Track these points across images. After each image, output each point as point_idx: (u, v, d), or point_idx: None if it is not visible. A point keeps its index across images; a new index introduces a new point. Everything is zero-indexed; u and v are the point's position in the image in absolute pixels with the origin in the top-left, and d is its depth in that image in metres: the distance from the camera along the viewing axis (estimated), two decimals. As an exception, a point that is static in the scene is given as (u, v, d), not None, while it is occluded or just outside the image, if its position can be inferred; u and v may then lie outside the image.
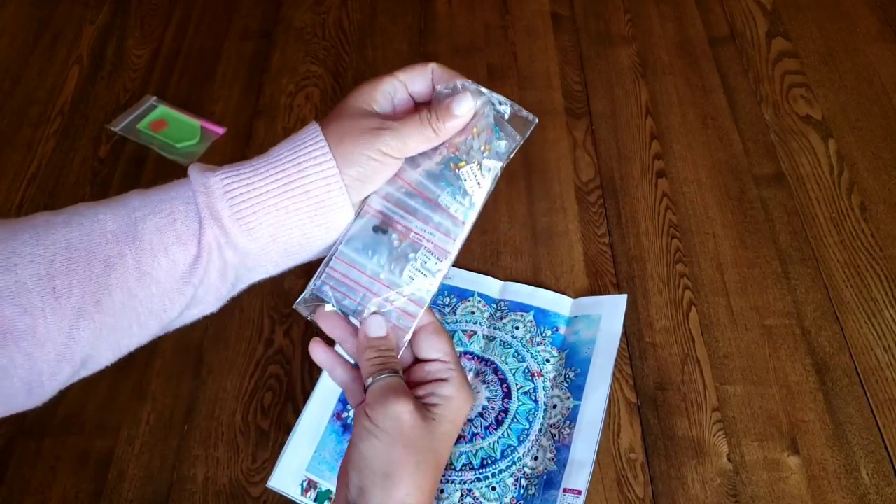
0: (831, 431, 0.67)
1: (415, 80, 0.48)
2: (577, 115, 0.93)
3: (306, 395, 0.71)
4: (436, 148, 0.46)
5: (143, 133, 0.91)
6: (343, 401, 0.69)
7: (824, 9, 1.04)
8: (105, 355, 0.41)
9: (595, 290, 0.77)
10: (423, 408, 0.44)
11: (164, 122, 0.92)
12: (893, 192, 0.84)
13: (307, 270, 0.80)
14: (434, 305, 0.76)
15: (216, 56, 1.01)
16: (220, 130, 0.92)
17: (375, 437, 0.42)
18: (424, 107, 0.46)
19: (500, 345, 0.73)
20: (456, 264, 0.79)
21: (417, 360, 0.48)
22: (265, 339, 0.75)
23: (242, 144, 0.91)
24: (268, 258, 0.43)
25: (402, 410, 0.43)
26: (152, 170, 0.88)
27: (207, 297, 0.42)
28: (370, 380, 0.45)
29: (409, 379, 0.48)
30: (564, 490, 0.63)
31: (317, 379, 0.70)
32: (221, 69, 0.99)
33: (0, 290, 0.36)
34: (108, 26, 1.05)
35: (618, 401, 0.70)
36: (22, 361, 0.37)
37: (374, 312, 0.47)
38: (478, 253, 0.81)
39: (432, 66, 0.49)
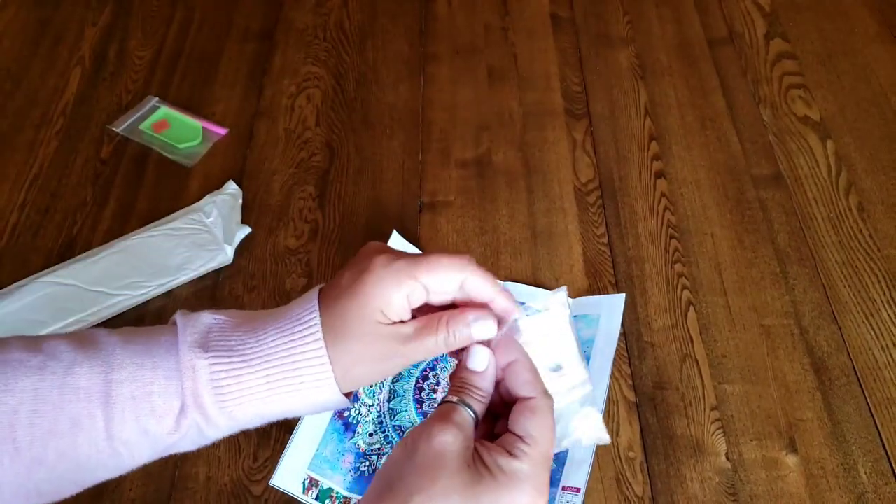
0: (829, 430, 0.68)
1: (440, 283, 0.39)
2: (576, 117, 0.93)
3: (307, 394, 0.71)
4: None
5: (145, 134, 0.92)
6: None
7: (822, 10, 1.04)
8: (65, 493, 0.39)
9: (594, 290, 0.78)
10: (476, 457, 0.37)
11: (166, 122, 0.93)
12: (891, 192, 0.84)
13: (309, 272, 0.81)
14: None
15: (217, 57, 1.01)
16: (222, 131, 0.92)
17: (401, 447, 0.37)
18: (440, 320, 0.39)
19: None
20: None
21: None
22: (266, 339, 0.75)
23: (244, 145, 0.91)
24: (246, 429, 0.41)
25: (442, 440, 0.36)
26: (154, 170, 0.89)
27: (179, 450, 0.41)
28: (447, 399, 0.39)
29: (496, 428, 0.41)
30: (563, 488, 0.63)
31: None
32: (223, 70, 1.00)
33: None
34: (109, 27, 1.05)
35: (617, 400, 0.70)
36: None
37: (486, 343, 0.40)
38: (478, 253, 0.81)
39: (467, 272, 0.40)
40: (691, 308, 0.76)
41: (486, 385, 0.39)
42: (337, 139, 0.92)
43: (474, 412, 0.38)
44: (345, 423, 0.68)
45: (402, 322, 0.39)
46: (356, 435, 0.68)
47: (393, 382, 0.71)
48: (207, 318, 0.39)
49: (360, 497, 0.64)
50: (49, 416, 0.36)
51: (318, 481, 0.64)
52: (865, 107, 0.93)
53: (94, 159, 0.90)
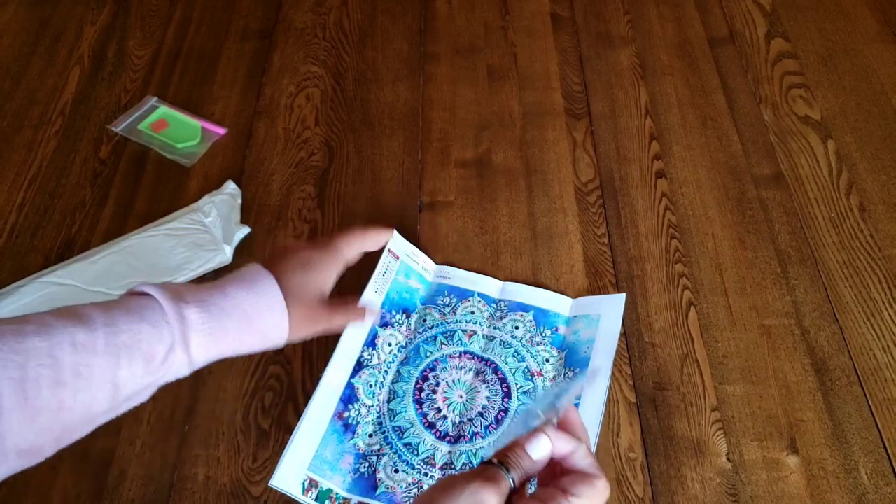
0: (830, 431, 0.68)
1: (354, 256, 0.61)
2: (576, 116, 0.93)
3: (307, 395, 0.71)
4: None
5: (144, 133, 0.92)
6: (344, 400, 0.69)
7: (823, 9, 1.04)
8: (50, 449, 0.44)
9: (594, 290, 0.77)
10: None
11: (165, 122, 0.93)
12: (892, 192, 0.84)
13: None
14: (434, 305, 0.76)
15: (217, 56, 1.01)
16: (221, 131, 0.92)
17: (441, 489, 0.41)
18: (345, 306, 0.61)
19: (500, 344, 0.73)
20: (456, 264, 0.80)
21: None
22: (266, 339, 0.75)
23: (243, 145, 0.91)
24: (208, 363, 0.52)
25: (483, 498, 0.40)
26: (153, 170, 0.89)
27: (169, 380, 0.51)
28: (489, 461, 0.43)
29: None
30: None
31: (318, 379, 0.71)
32: (222, 70, 0.99)
33: None
34: (108, 27, 1.05)
35: (617, 400, 0.70)
36: None
37: (545, 435, 0.44)
38: (478, 253, 0.81)
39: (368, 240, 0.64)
40: (692, 308, 0.76)
41: (536, 469, 0.43)
42: (336, 139, 0.92)
43: (514, 483, 0.42)
44: (344, 424, 0.68)
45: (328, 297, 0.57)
46: (356, 436, 0.68)
47: (393, 383, 0.71)
48: (173, 283, 0.50)
49: (360, 498, 0.64)
50: (53, 367, 0.42)
51: (317, 482, 0.64)
52: (866, 106, 0.92)
53: (93, 159, 0.90)
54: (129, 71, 1.00)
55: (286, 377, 0.72)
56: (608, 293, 0.77)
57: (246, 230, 0.82)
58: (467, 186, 0.87)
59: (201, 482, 0.66)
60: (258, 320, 0.52)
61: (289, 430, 0.68)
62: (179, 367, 0.50)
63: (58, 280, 0.76)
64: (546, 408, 0.47)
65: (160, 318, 0.47)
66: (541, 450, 0.43)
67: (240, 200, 0.84)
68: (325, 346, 0.74)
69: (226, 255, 0.79)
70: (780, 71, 0.97)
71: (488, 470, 0.42)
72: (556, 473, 0.44)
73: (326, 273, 0.57)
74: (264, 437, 0.69)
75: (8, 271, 0.79)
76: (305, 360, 0.73)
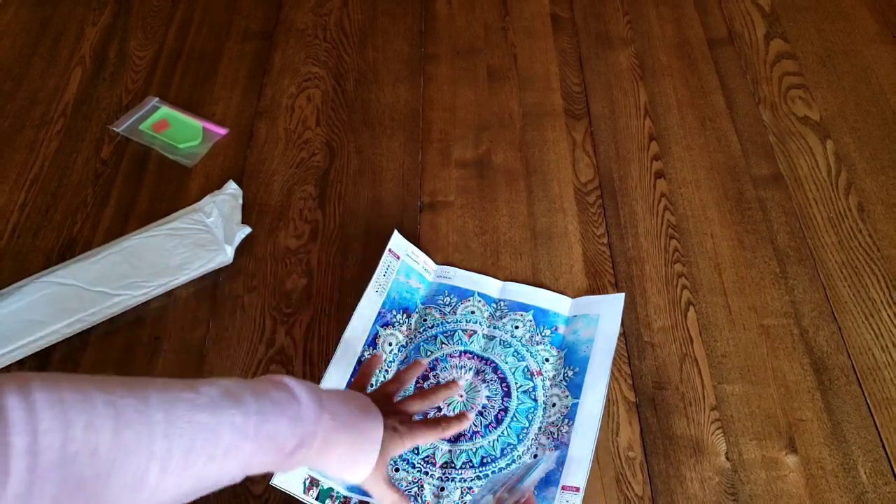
0: (829, 430, 0.68)
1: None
2: (576, 117, 0.93)
3: (307, 394, 0.71)
4: None
5: (146, 134, 0.92)
6: None
7: (822, 10, 1.04)
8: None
9: (594, 289, 0.78)
10: None
11: (166, 122, 0.93)
12: (891, 192, 0.84)
13: (309, 272, 0.81)
14: (434, 304, 0.77)
15: (218, 57, 1.01)
16: (222, 131, 0.92)
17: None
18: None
19: (500, 344, 0.74)
20: (456, 264, 0.80)
21: None
22: (266, 339, 0.75)
23: (244, 145, 0.91)
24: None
25: None
26: (154, 171, 0.89)
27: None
28: None
29: None
30: (563, 488, 0.64)
31: (319, 378, 0.71)
32: (223, 70, 1.00)
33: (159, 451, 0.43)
34: (110, 27, 1.06)
35: (616, 400, 0.70)
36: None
37: None
38: (478, 253, 0.81)
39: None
40: (691, 308, 0.76)
41: None
42: (337, 139, 0.92)
43: None
44: None
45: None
46: None
47: None
48: (308, 384, 0.53)
49: (360, 497, 0.64)
50: (213, 443, 0.45)
51: (318, 481, 0.65)
52: (865, 107, 0.93)
53: (95, 159, 0.90)
54: (131, 71, 1.00)
55: (287, 377, 0.73)
56: (607, 293, 0.77)
57: (247, 230, 0.82)
58: (467, 187, 0.87)
59: (202, 481, 0.66)
60: (361, 447, 0.55)
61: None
62: (299, 463, 0.52)
63: (59, 280, 0.76)
64: (510, 487, 0.53)
65: (297, 413, 0.50)
66: None
67: (241, 200, 0.85)
68: (325, 346, 0.74)
69: (227, 255, 0.79)
70: (779, 71, 0.97)
71: None
72: None
73: (404, 446, 0.59)
74: (265, 436, 0.69)
75: (9, 271, 0.79)
76: (306, 361, 0.74)
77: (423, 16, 1.06)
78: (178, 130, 0.92)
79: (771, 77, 0.97)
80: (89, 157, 0.90)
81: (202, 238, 0.80)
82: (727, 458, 0.67)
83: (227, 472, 0.46)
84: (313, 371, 0.73)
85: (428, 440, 0.60)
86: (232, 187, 0.85)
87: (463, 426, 0.62)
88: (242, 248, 0.81)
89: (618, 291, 0.77)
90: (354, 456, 0.54)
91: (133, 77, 0.99)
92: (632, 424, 0.69)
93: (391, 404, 0.61)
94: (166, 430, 0.43)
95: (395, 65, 1.00)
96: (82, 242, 0.82)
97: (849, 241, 0.81)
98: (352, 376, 0.71)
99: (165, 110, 0.94)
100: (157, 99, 0.96)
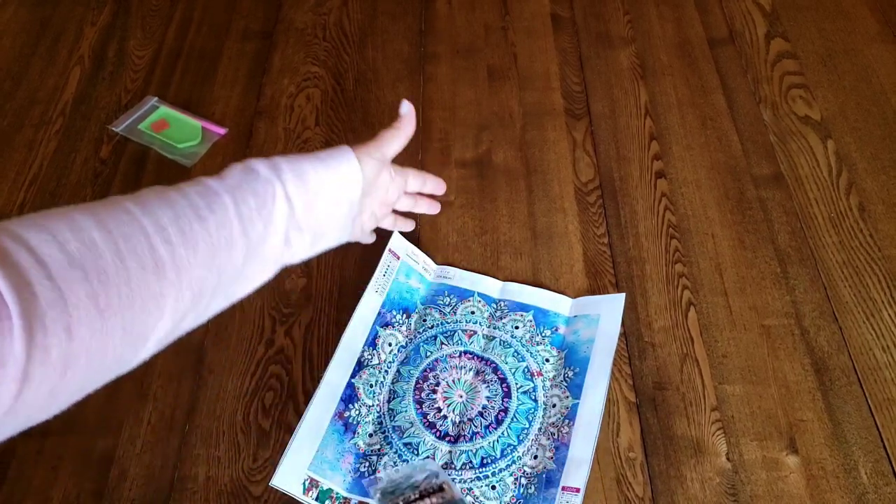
0: (830, 431, 0.68)
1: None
2: (576, 116, 0.93)
3: (307, 394, 0.71)
4: None
5: (145, 133, 0.92)
6: (345, 400, 0.69)
7: (823, 9, 1.04)
8: (211, 301, 0.49)
9: (594, 290, 0.78)
10: None
11: (166, 122, 0.93)
12: (892, 192, 0.84)
13: (308, 272, 0.81)
14: (434, 305, 0.77)
15: (217, 57, 1.01)
16: (221, 131, 0.92)
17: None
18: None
19: (500, 344, 0.74)
20: (456, 264, 0.80)
21: None
22: (266, 339, 0.75)
23: (243, 145, 0.91)
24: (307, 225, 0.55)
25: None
26: (153, 170, 0.89)
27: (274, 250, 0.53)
28: None
29: None
30: (563, 488, 0.63)
31: (319, 379, 0.71)
32: (222, 70, 0.99)
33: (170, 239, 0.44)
34: (109, 27, 1.05)
35: (617, 400, 0.70)
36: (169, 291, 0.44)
37: None
38: (478, 253, 0.81)
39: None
40: (692, 308, 0.76)
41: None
42: (337, 139, 0.92)
43: None
44: (345, 424, 0.68)
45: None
46: (356, 435, 0.68)
47: (393, 383, 0.71)
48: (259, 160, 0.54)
49: (360, 498, 0.64)
50: (192, 207, 0.47)
51: (318, 482, 0.64)
52: (866, 106, 0.92)
53: (94, 159, 0.90)
54: (130, 71, 1.00)
55: (286, 377, 0.72)
56: (608, 293, 0.77)
57: (246, 230, 0.82)
58: (467, 186, 0.87)
59: (202, 482, 0.66)
60: (332, 162, 0.57)
61: (289, 429, 0.68)
62: (281, 211, 0.52)
63: (58, 280, 0.76)
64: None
65: (258, 171, 0.52)
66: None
67: (240, 200, 0.84)
68: (325, 346, 0.74)
69: (226, 255, 0.79)
70: (779, 71, 0.97)
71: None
72: None
73: (388, 144, 0.65)
74: (265, 436, 0.69)
75: (8, 271, 0.79)
76: (305, 360, 0.73)
77: (423, 15, 1.06)
78: (178, 130, 0.92)
79: (772, 76, 0.96)
80: (88, 156, 0.90)
81: (201, 238, 0.80)
82: (728, 459, 0.66)
83: (229, 229, 0.47)
84: (312, 372, 0.72)
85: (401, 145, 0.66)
86: (231, 187, 0.85)
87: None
88: (242, 248, 0.81)
89: (618, 291, 0.77)
90: (338, 181, 0.56)
91: (132, 77, 0.99)
92: (632, 425, 0.69)
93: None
94: (143, 210, 0.44)
95: (394, 64, 1.00)
96: (81, 242, 0.82)
97: (850, 241, 0.80)
98: (352, 376, 0.70)
99: (164, 110, 0.94)
100: (156, 98, 0.95)
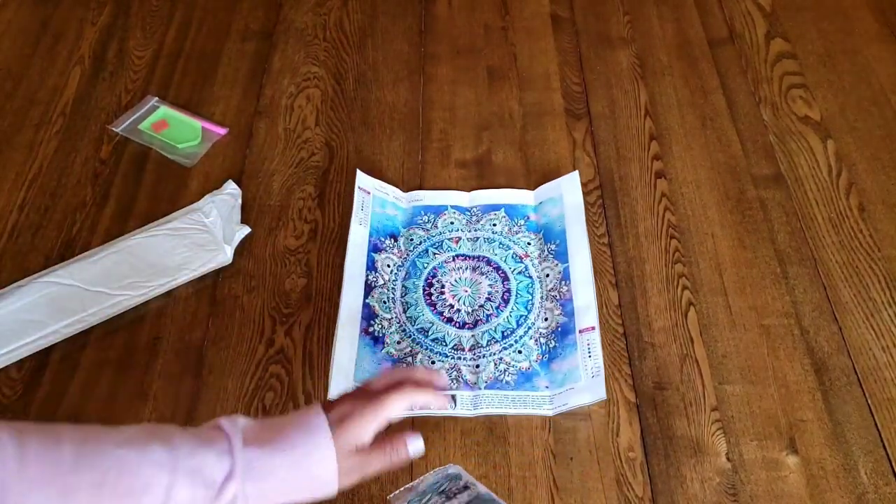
0: (830, 431, 0.68)
1: (396, 415, 0.56)
2: (576, 116, 0.93)
3: (307, 394, 0.71)
4: None
5: (145, 134, 0.92)
6: (366, 318, 0.76)
7: (823, 10, 1.04)
8: None
9: (595, 289, 0.77)
10: None
11: (166, 122, 0.93)
12: (892, 192, 0.84)
13: (308, 272, 0.81)
14: (415, 225, 0.83)
15: (217, 57, 1.01)
16: (222, 131, 0.92)
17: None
18: (389, 441, 0.56)
19: (485, 241, 0.81)
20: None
21: None
22: (266, 340, 0.75)
23: (243, 145, 0.91)
24: None
25: None
26: (153, 170, 0.89)
27: None
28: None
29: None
30: (580, 331, 0.72)
31: (319, 378, 0.71)
32: (222, 70, 0.99)
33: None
34: (109, 27, 1.05)
35: (617, 400, 0.70)
36: None
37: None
38: (478, 253, 0.81)
39: (412, 401, 0.57)
40: (691, 308, 0.76)
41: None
42: (336, 139, 0.92)
43: None
44: (373, 338, 0.74)
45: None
46: (386, 345, 0.74)
47: (402, 297, 0.78)
48: (242, 420, 0.52)
49: None
50: (129, 478, 0.45)
51: None
52: (866, 106, 0.92)
53: (94, 159, 0.90)
54: (130, 71, 1.00)
55: (286, 377, 0.72)
56: (608, 293, 0.77)
57: (246, 230, 0.82)
58: (467, 187, 0.87)
59: (202, 482, 0.66)
60: (306, 464, 0.51)
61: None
62: (226, 501, 0.49)
63: (58, 280, 0.76)
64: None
65: (226, 447, 0.49)
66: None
67: (240, 200, 0.84)
68: (325, 346, 0.74)
69: (226, 255, 0.79)
70: (779, 71, 0.97)
71: None
72: None
73: (365, 428, 0.54)
74: (265, 436, 0.69)
75: (8, 271, 0.79)
76: (305, 360, 0.73)
77: (423, 16, 1.06)
78: (178, 130, 0.92)
79: (771, 77, 0.97)
80: (88, 156, 0.90)
81: (201, 238, 0.80)
82: (728, 459, 0.66)
83: None
84: (312, 371, 0.72)
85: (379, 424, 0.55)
86: (231, 187, 0.85)
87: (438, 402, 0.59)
88: (242, 248, 0.81)
89: (618, 291, 0.77)
90: (298, 481, 0.51)
91: (132, 77, 0.99)
92: (632, 425, 0.69)
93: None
94: (75, 465, 0.44)
95: (394, 65, 1.00)
96: (81, 242, 0.82)
97: (849, 241, 0.80)
98: (365, 297, 0.76)
99: (165, 110, 0.94)
100: (156, 99, 0.95)
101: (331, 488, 0.52)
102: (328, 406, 0.55)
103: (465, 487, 0.57)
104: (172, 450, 0.47)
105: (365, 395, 0.56)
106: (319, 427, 0.52)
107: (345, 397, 0.56)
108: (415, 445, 0.56)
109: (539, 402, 0.70)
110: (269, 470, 0.50)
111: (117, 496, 0.45)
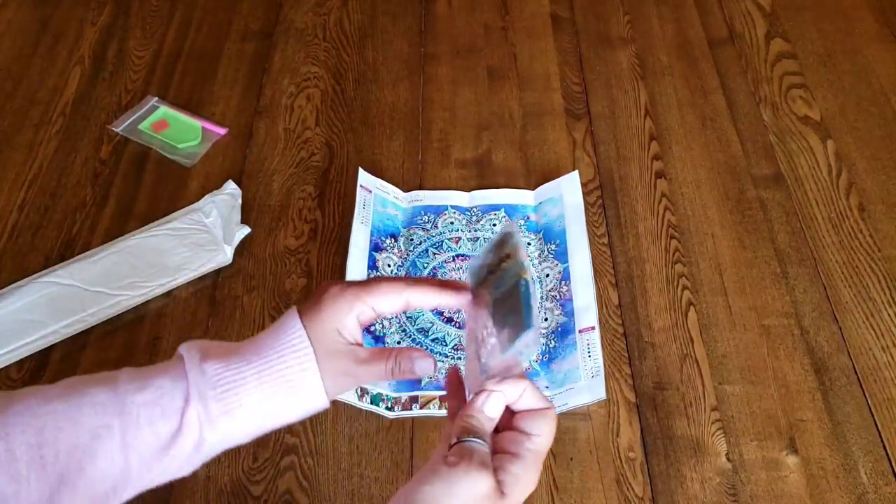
0: (830, 431, 0.68)
1: (384, 304, 0.46)
2: (576, 116, 0.93)
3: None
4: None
5: (145, 134, 0.92)
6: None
7: (823, 10, 1.04)
8: None
9: (596, 290, 0.77)
10: (498, 483, 0.41)
11: (166, 122, 0.93)
12: (892, 192, 0.84)
13: (308, 272, 0.81)
14: (415, 225, 0.83)
15: (217, 57, 1.01)
16: (221, 131, 0.92)
17: (435, 480, 0.40)
18: (391, 353, 0.46)
19: (485, 241, 0.81)
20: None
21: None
22: (266, 339, 0.75)
23: (243, 145, 0.91)
24: (242, 435, 0.44)
25: (484, 483, 0.40)
26: (153, 170, 0.89)
27: (181, 465, 0.43)
28: (459, 439, 0.42)
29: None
30: (580, 331, 0.72)
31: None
32: (222, 70, 0.99)
33: None
34: (109, 27, 1.05)
35: (617, 400, 0.70)
36: None
37: (496, 391, 0.44)
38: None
39: (405, 293, 0.46)
40: (691, 308, 0.76)
41: (495, 423, 0.44)
42: (336, 139, 0.92)
43: (488, 446, 0.43)
44: (374, 337, 0.74)
45: (358, 345, 0.45)
46: (386, 345, 0.74)
47: None
48: (203, 341, 0.44)
49: (407, 394, 0.70)
50: (71, 430, 0.40)
51: (367, 389, 0.70)
52: (866, 107, 0.92)
53: (94, 159, 0.90)
54: (130, 71, 1.00)
55: (286, 377, 0.72)
56: (608, 293, 0.77)
57: (246, 230, 0.82)
58: (467, 187, 0.87)
59: (201, 482, 0.66)
60: (279, 367, 0.43)
61: (290, 430, 0.68)
62: (199, 432, 0.42)
63: (58, 280, 0.76)
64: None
65: (181, 372, 0.42)
66: (497, 407, 0.44)
67: (240, 200, 0.84)
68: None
69: (226, 255, 0.79)
70: (779, 71, 0.97)
71: (464, 449, 0.41)
72: (510, 415, 0.45)
73: (344, 309, 0.44)
74: (264, 436, 0.69)
75: (8, 271, 0.79)
76: (306, 360, 0.73)
77: (423, 16, 1.06)
78: (178, 130, 0.92)
79: (771, 77, 0.97)
80: (88, 156, 0.90)
81: (201, 238, 0.80)
82: (728, 459, 0.66)
83: (108, 459, 0.40)
84: (313, 371, 0.72)
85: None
86: (231, 187, 0.85)
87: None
88: (242, 248, 0.81)
89: (618, 291, 0.77)
90: (275, 393, 0.43)
91: (132, 77, 0.99)
92: (632, 425, 0.69)
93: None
94: (1, 432, 0.39)
95: (394, 65, 1.00)
96: (81, 242, 0.82)
97: (849, 241, 0.80)
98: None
99: (165, 110, 0.94)
100: (156, 99, 0.95)
101: (316, 395, 0.43)
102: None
103: (507, 256, 0.48)
104: (116, 388, 0.41)
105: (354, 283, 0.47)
106: (290, 323, 0.43)
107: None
108: (423, 363, 0.46)
109: None
110: (236, 383, 0.42)
111: (62, 455, 0.39)
